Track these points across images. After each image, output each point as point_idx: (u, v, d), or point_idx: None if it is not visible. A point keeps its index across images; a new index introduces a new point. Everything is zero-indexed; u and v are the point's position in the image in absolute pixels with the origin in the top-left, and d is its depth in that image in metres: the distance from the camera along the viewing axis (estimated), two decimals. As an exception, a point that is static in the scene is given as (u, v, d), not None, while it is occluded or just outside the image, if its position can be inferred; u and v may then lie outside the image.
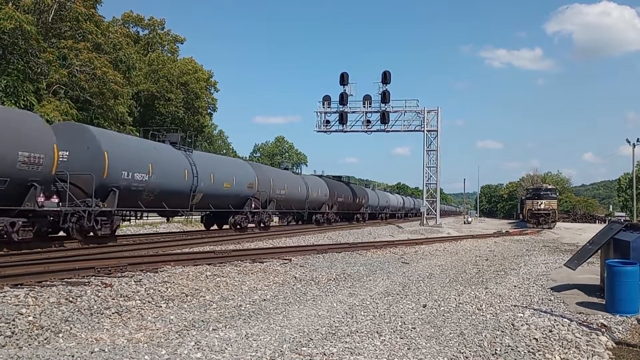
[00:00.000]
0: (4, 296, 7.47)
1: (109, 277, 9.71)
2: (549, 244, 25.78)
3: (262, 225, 26.37)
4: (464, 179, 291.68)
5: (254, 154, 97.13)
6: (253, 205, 25.20)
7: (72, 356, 5.28)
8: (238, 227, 24.09)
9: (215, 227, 25.55)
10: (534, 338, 6.76)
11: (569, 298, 9.92)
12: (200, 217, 27.03)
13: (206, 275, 10.74)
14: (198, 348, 6.06)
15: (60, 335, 6.41)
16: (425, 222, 43.71)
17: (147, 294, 8.68)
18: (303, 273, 12.45)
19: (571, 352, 6.33)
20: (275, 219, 34.85)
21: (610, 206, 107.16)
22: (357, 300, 9.51)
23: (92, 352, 5.48)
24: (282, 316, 7.99)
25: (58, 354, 5.30)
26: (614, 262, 9.01)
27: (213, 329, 7.03)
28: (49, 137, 14.13)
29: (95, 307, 7.59)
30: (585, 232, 34.85)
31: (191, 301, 8.77)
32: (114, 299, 8.14)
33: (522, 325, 7.36)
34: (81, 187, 15.15)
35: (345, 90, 41.92)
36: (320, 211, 35.69)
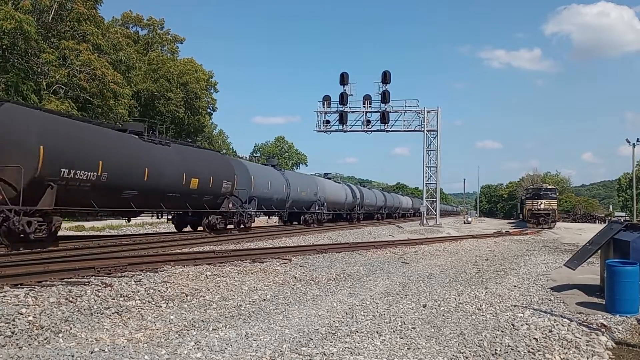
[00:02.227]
0: (4, 296, 7.47)
1: (109, 277, 9.71)
2: (549, 244, 25.78)
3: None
4: (464, 179, 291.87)
5: (254, 154, 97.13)
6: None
7: (72, 356, 5.27)
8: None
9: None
10: (534, 338, 6.76)
11: (569, 298, 9.92)
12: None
13: (206, 275, 10.74)
14: (198, 348, 6.06)
15: (60, 335, 6.40)
16: (425, 222, 43.74)
17: (147, 294, 8.68)
18: (303, 273, 12.45)
19: (571, 352, 6.33)
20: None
21: (610, 206, 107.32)
22: (357, 300, 9.51)
23: (92, 352, 5.47)
24: (282, 316, 7.99)
25: (58, 354, 5.30)
26: (614, 262, 9.01)
27: (213, 329, 7.03)
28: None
29: (95, 307, 7.58)
30: (585, 232, 34.85)
31: (191, 301, 8.77)
32: (114, 299, 8.13)
33: (522, 325, 7.37)
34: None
35: (345, 90, 41.98)
36: None
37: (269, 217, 36.65)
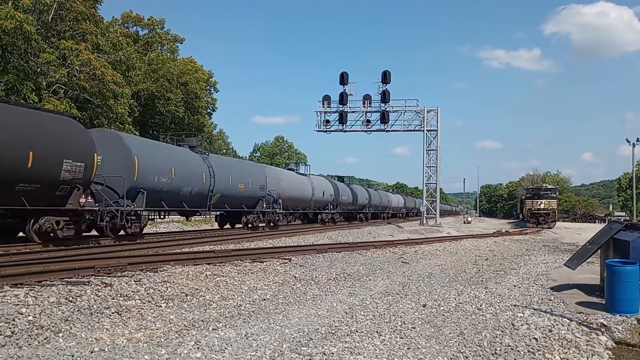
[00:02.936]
0: (4, 296, 7.47)
1: (109, 276, 9.71)
2: (548, 244, 25.77)
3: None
4: (464, 179, 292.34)
5: (254, 154, 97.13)
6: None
7: (72, 356, 5.27)
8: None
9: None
10: (534, 338, 6.76)
11: (568, 298, 9.92)
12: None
13: (206, 275, 10.74)
14: (198, 348, 6.06)
15: (60, 334, 6.40)
16: (425, 221, 43.77)
17: (147, 294, 8.68)
18: (303, 273, 12.45)
19: (571, 351, 6.33)
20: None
21: (610, 206, 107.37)
22: (357, 300, 9.51)
23: (92, 352, 5.47)
24: (281, 316, 7.99)
25: (58, 353, 5.30)
26: (613, 261, 9.01)
27: (213, 329, 7.03)
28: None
29: (95, 306, 7.58)
30: (585, 231, 34.85)
31: (191, 301, 8.77)
32: (113, 298, 8.13)
33: (522, 325, 7.36)
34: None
35: (345, 90, 42.04)
36: None
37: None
